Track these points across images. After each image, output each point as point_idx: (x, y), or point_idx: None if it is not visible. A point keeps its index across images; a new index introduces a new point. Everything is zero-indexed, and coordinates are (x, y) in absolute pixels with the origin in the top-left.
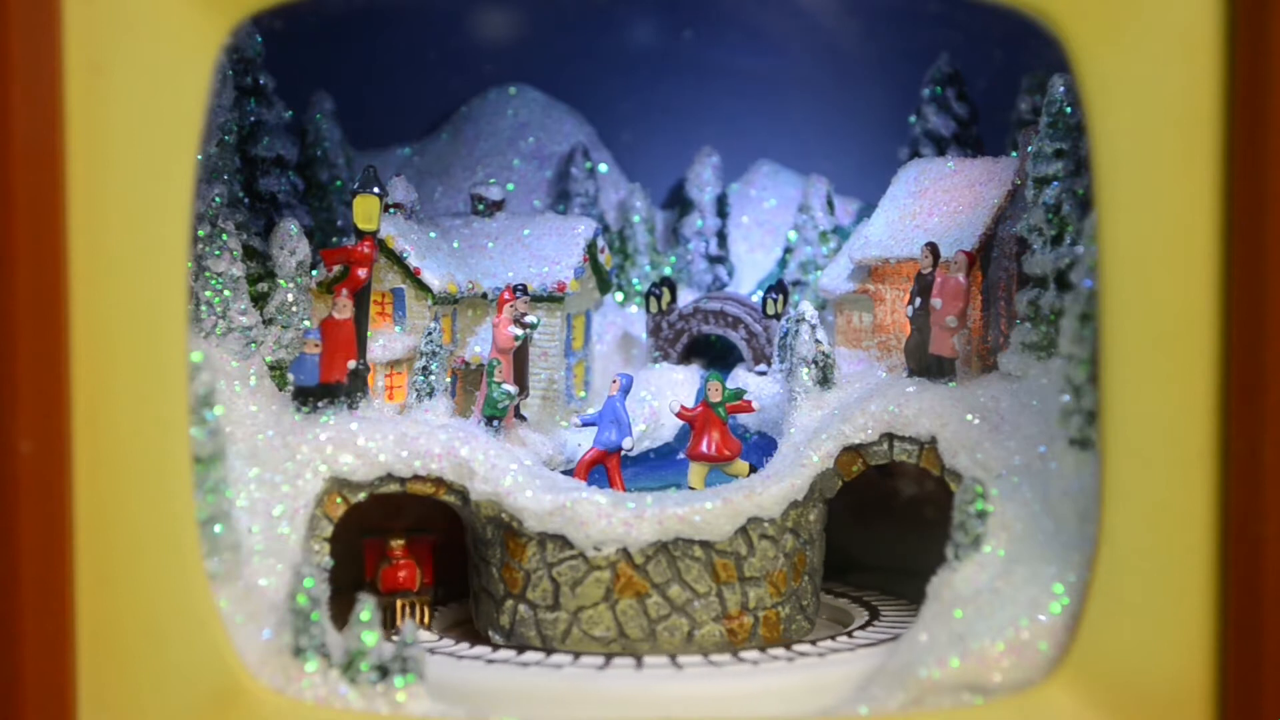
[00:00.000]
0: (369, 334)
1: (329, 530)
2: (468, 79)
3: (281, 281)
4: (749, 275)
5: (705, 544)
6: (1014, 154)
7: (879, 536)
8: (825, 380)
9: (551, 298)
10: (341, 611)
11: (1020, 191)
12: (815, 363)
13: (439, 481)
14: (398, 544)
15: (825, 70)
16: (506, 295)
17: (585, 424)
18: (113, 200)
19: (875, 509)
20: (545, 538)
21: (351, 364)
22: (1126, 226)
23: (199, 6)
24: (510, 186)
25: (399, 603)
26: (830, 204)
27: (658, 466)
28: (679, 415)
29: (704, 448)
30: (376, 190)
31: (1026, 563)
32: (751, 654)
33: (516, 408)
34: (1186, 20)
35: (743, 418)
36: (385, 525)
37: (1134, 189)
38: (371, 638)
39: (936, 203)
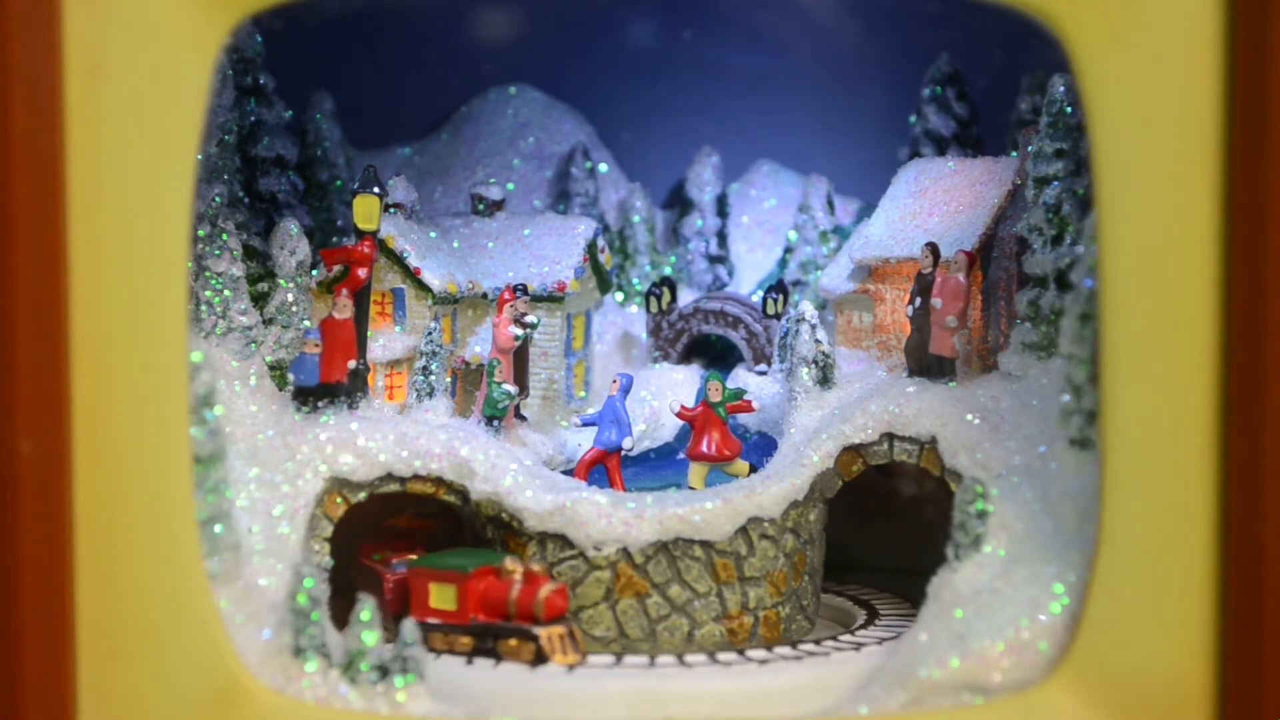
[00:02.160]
0: (369, 334)
1: (329, 530)
2: (468, 79)
3: (281, 281)
4: (749, 275)
5: (705, 544)
6: (1014, 154)
7: (879, 536)
8: (825, 380)
9: (552, 298)
10: (341, 611)
11: (1020, 191)
12: (815, 362)
13: (439, 481)
14: (541, 566)
15: (825, 70)
16: (506, 295)
17: (585, 424)
18: (113, 200)
19: (875, 509)
20: (545, 537)
21: (351, 364)
22: (1127, 226)
23: (199, 6)
24: (510, 186)
25: (573, 630)
26: (830, 204)
27: (658, 466)
28: (679, 415)
29: (704, 448)
30: (376, 190)
31: (1026, 563)
32: (751, 654)
33: (517, 408)
34: (1187, 20)
35: (743, 418)
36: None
37: (1134, 189)
38: (371, 637)
39: (937, 202)
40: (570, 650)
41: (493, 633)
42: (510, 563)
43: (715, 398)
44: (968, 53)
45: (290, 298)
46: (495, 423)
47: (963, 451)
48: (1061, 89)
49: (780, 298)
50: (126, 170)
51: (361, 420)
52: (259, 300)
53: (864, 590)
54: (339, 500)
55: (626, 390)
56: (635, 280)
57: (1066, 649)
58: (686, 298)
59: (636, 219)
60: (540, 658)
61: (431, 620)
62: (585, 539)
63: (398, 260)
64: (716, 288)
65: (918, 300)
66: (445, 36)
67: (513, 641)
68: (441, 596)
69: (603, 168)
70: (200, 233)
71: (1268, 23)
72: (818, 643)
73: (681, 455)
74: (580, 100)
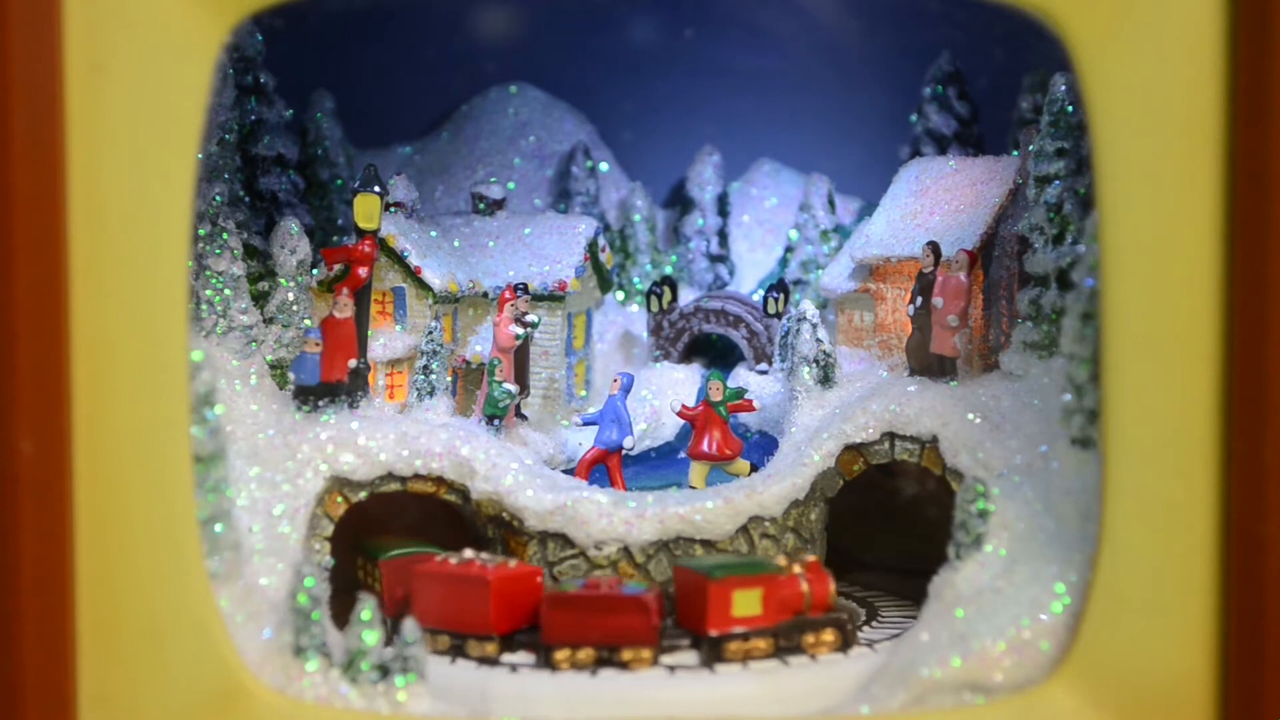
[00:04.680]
0: (369, 333)
1: (330, 529)
2: (468, 77)
3: (282, 280)
4: (750, 274)
5: (706, 543)
6: (1015, 153)
7: (880, 536)
8: (826, 379)
9: (552, 297)
10: (342, 610)
11: (1021, 190)
12: (816, 362)
13: (440, 480)
14: (816, 556)
15: (826, 69)
16: (507, 294)
17: (586, 423)
18: (113, 200)
19: (876, 508)
20: (546, 536)
21: (352, 363)
22: (1128, 225)
23: (199, 6)
24: (511, 185)
25: (850, 612)
26: (831, 203)
27: (658, 465)
28: (680, 414)
29: (705, 447)
30: (377, 189)
31: (1028, 562)
32: None
33: (517, 407)
34: (1188, 18)
35: (744, 417)
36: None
37: (1135, 188)
38: (372, 637)
39: (938, 201)
40: (856, 633)
41: (796, 629)
42: (782, 558)
43: (716, 397)
44: (969, 51)
45: (291, 297)
46: (496, 422)
47: (964, 451)
48: (1063, 88)
49: (781, 297)
50: (127, 169)
51: (362, 419)
52: (259, 299)
53: (869, 591)
54: (340, 499)
55: (627, 389)
56: (636, 279)
57: (1068, 648)
58: (687, 297)
59: (637, 218)
60: (846, 643)
61: (735, 629)
62: (586, 538)
63: (398, 259)
64: (717, 287)
65: (919, 299)
66: (446, 35)
67: (817, 634)
68: (746, 603)
69: (603, 167)
70: (201, 231)
71: (1269, 21)
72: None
73: (682, 454)
74: (581, 99)
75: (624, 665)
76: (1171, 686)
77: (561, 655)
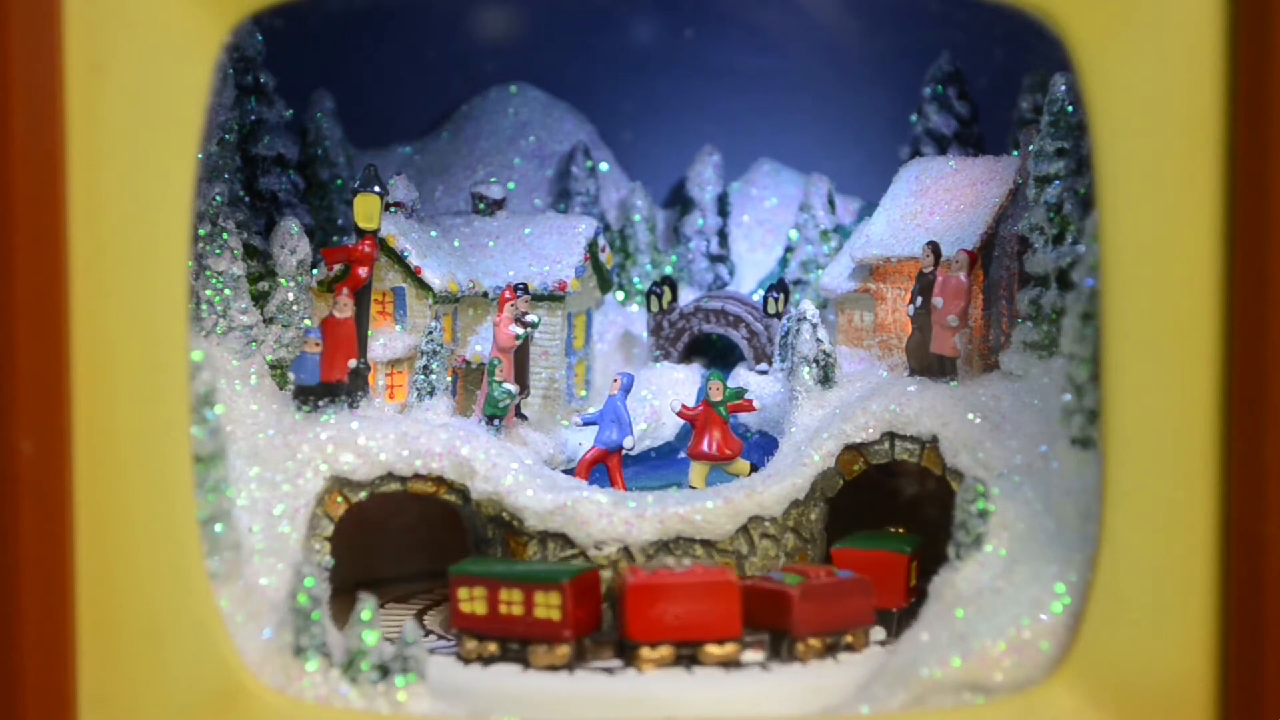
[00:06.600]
0: (370, 333)
1: (330, 529)
2: (468, 77)
3: (282, 280)
4: (750, 274)
5: (706, 543)
6: (1015, 153)
7: None
8: (826, 379)
9: (552, 297)
10: (341, 611)
11: (1022, 190)
12: (816, 362)
13: (440, 480)
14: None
15: (826, 69)
16: (507, 294)
17: (586, 423)
18: (113, 200)
19: (877, 508)
20: (546, 536)
21: (352, 363)
22: (1128, 225)
23: (199, 6)
24: (511, 185)
25: None
26: (831, 203)
27: (658, 465)
28: (680, 414)
29: (705, 447)
30: (377, 189)
31: (1028, 562)
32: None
33: (517, 407)
34: (1188, 18)
35: (744, 417)
36: None
37: (1135, 188)
38: (372, 637)
39: (938, 201)
40: None
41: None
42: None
43: (716, 397)
44: (969, 51)
45: (291, 297)
46: (496, 422)
47: (964, 451)
48: (1063, 88)
49: (781, 297)
50: (127, 169)
51: (362, 419)
52: (259, 299)
53: None
54: (340, 499)
55: (627, 389)
56: (636, 279)
57: (1068, 648)
58: (687, 297)
59: (637, 218)
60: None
61: (912, 600)
62: (586, 538)
63: (398, 259)
64: (717, 287)
65: (919, 299)
66: (446, 35)
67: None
68: (912, 574)
69: (603, 167)
70: (201, 231)
71: (1269, 21)
72: None
73: (682, 454)
74: (581, 99)
75: (850, 648)
76: (1171, 686)
77: (803, 647)
